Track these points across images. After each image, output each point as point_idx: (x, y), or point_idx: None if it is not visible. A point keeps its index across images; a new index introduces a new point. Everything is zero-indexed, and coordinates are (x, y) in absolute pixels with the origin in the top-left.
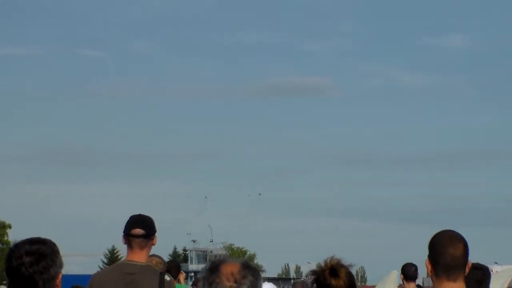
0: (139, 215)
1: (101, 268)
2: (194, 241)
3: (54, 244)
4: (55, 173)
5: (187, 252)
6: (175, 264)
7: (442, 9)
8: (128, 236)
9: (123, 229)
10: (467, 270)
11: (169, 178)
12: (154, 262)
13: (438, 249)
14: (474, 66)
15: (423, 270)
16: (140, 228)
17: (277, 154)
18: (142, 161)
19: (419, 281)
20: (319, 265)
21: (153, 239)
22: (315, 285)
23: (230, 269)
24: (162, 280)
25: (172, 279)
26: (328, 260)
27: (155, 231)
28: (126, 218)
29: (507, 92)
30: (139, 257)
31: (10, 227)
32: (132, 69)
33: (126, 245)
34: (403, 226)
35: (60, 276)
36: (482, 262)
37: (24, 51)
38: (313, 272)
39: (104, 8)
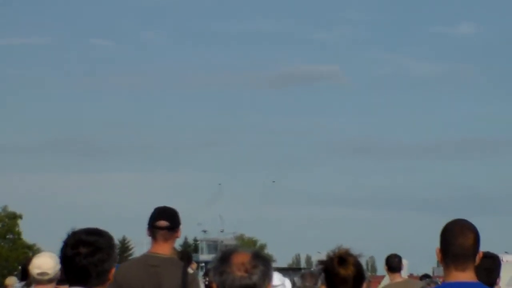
0: (164, 207)
1: None
2: (204, 231)
3: (111, 238)
4: (65, 164)
5: (197, 242)
6: (187, 254)
7: None
8: (152, 228)
9: (148, 221)
10: (477, 260)
11: (179, 168)
12: None
13: (448, 239)
14: (484, 55)
15: (433, 259)
16: (164, 220)
17: (286, 143)
18: (152, 151)
19: (428, 271)
20: (328, 255)
21: (177, 232)
22: (323, 274)
23: (241, 259)
24: (185, 272)
25: (196, 271)
26: (336, 250)
27: (179, 223)
28: (137, 208)
29: None
30: (163, 249)
31: (21, 217)
32: (142, 59)
33: (150, 237)
34: (414, 216)
35: (113, 270)
36: (492, 251)
37: (33, 41)
38: (322, 262)
39: None
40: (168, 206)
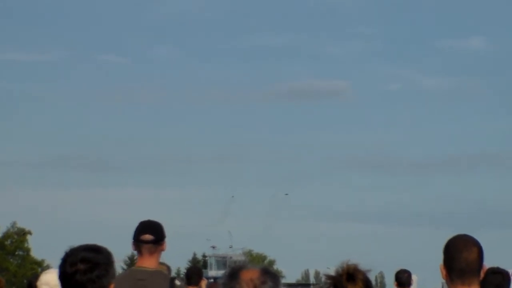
0: (148, 220)
1: None
2: (213, 247)
3: (110, 254)
4: (75, 180)
5: (206, 258)
6: (197, 270)
7: (463, 12)
8: (137, 242)
9: (133, 235)
10: (482, 274)
11: (188, 183)
12: None
13: (452, 254)
14: (494, 69)
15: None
16: (149, 234)
17: (295, 158)
18: (161, 166)
19: (438, 286)
20: (336, 270)
21: (162, 245)
22: None
23: (250, 275)
24: (172, 284)
25: (183, 283)
26: (345, 265)
27: (164, 237)
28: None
29: None
30: (149, 262)
31: (30, 233)
32: (152, 74)
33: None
34: (423, 230)
35: (112, 286)
36: (502, 267)
37: (44, 57)
38: (330, 277)
39: (123, 13)
40: (153, 220)
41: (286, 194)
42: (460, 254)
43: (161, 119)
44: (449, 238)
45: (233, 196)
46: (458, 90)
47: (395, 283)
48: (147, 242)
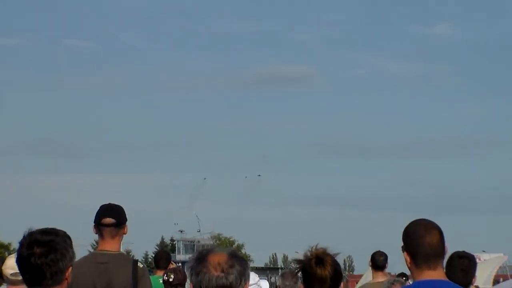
0: (109, 204)
1: None
2: (181, 231)
3: (67, 237)
4: (43, 164)
5: (174, 242)
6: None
7: None
8: (98, 225)
9: (94, 219)
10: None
11: (156, 168)
12: None
13: (415, 240)
14: (460, 56)
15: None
16: (110, 217)
17: (263, 143)
18: (129, 152)
19: (406, 270)
20: (305, 254)
21: (124, 228)
22: (300, 274)
23: (217, 258)
24: (135, 267)
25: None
26: (313, 249)
27: (126, 220)
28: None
29: (492, 82)
30: (111, 246)
31: None
32: (119, 60)
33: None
34: (391, 214)
35: (70, 269)
36: (470, 250)
37: (9, 42)
38: (299, 261)
39: None
40: (114, 203)
41: (259, 175)
42: (424, 239)
43: (129, 105)
44: (406, 224)
45: (205, 179)
46: (423, 75)
47: (370, 263)
48: (108, 225)
